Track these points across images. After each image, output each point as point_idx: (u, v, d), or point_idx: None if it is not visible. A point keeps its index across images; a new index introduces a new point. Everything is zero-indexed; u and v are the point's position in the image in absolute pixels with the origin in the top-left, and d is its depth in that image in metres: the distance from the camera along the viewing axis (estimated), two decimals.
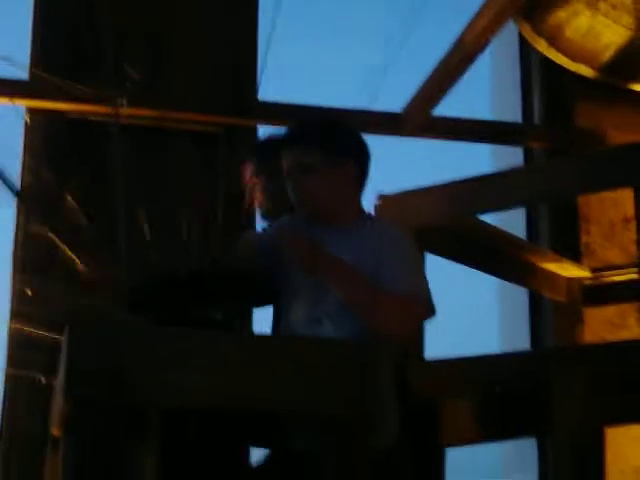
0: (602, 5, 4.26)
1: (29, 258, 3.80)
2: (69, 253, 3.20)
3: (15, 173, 3.81)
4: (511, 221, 4.58)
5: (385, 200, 3.29)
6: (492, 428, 2.71)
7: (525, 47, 4.80)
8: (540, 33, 4.32)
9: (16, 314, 3.71)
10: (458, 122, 4.56)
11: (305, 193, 2.69)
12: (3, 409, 3.73)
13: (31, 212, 3.70)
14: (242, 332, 2.86)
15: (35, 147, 3.95)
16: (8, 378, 3.72)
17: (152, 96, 4.06)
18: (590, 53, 4.40)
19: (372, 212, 3.10)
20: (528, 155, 4.79)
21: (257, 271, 2.78)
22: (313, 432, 2.15)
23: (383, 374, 2.02)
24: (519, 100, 4.91)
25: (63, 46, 4.07)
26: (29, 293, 3.68)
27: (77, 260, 3.20)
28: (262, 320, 2.96)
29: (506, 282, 4.30)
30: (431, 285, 2.66)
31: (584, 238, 4.60)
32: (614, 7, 4.27)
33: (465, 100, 4.76)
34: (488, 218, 3.60)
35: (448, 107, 4.37)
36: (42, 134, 3.97)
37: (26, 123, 3.97)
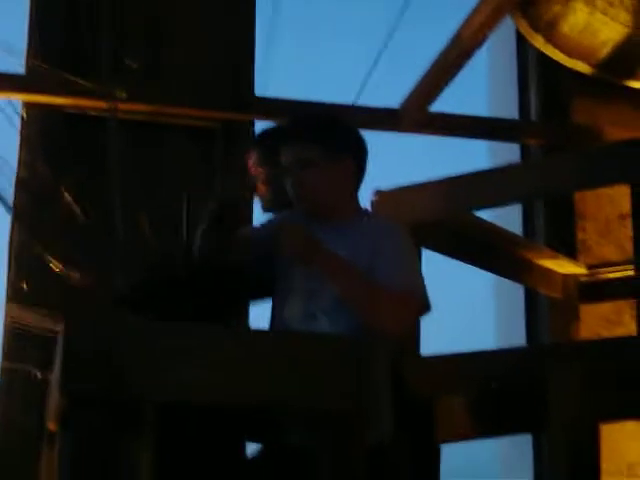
0: (599, 2, 4.26)
1: (24, 263, 3.79)
2: (58, 267, 3.19)
3: (9, 183, 3.80)
4: (507, 217, 4.58)
5: (382, 196, 3.29)
6: (488, 424, 2.71)
7: (522, 43, 4.80)
8: (537, 29, 4.32)
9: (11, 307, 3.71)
10: (455, 118, 4.56)
11: (304, 188, 2.70)
12: None
13: (24, 226, 3.68)
14: (238, 327, 2.86)
15: (31, 141, 3.94)
16: (4, 372, 3.72)
17: (149, 91, 4.06)
18: (587, 50, 4.40)
19: (369, 208, 3.10)
20: (525, 151, 4.79)
21: (254, 265, 2.79)
22: (308, 427, 2.15)
23: (379, 370, 2.02)
24: (516, 96, 4.91)
25: (60, 40, 4.07)
26: (25, 287, 3.68)
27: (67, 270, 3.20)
28: (259, 316, 2.97)
29: (502, 278, 4.30)
30: (427, 281, 2.66)
31: (580, 235, 4.61)
32: (611, 4, 4.27)
33: (462, 96, 4.76)
34: (484, 214, 3.60)
35: (445, 103, 4.38)
36: (38, 128, 3.96)
37: (22, 117, 3.96)
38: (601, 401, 2.46)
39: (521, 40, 4.74)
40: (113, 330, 1.97)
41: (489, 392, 2.65)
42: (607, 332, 4.41)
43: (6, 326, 3.72)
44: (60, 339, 1.95)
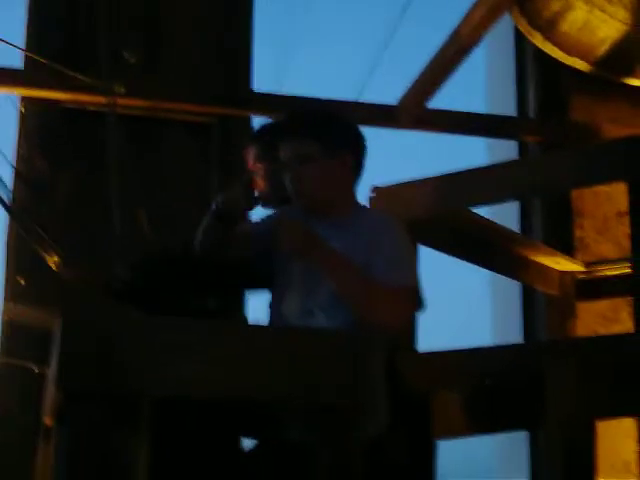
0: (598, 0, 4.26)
1: (21, 259, 3.79)
2: (56, 262, 3.19)
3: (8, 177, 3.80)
4: (504, 214, 4.58)
5: (379, 192, 3.29)
6: (484, 421, 2.71)
7: (520, 40, 4.80)
8: (536, 26, 4.32)
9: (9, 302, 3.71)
10: (453, 115, 4.57)
11: (303, 184, 2.70)
12: None
13: (22, 221, 3.68)
14: (235, 320, 2.86)
15: (29, 136, 3.94)
16: (1, 367, 3.72)
17: (148, 86, 4.06)
18: (586, 47, 4.40)
19: (366, 204, 3.11)
20: (522, 148, 4.79)
21: (253, 260, 2.80)
22: (306, 422, 2.16)
23: (375, 364, 2.02)
24: (514, 93, 4.91)
25: (59, 36, 4.06)
26: (22, 283, 3.68)
27: (62, 264, 3.19)
28: (256, 310, 2.97)
29: (499, 275, 4.30)
30: (424, 277, 2.67)
31: (578, 232, 4.61)
32: (610, 1, 4.27)
33: (460, 93, 4.76)
34: (482, 211, 3.60)
35: (443, 100, 4.38)
36: (37, 123, 3.96)
37: (21, 112, 3.96)
38: (597, 398, 2.46)
39: (519, 37, 4.75)
40: (111, 325, 1.97)
41: (485, 389, 2.65)
42: (604, 329, 4.42)
43: (3, 321, 3.72)
44: (57, 334, 1.95)
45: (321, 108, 4.03)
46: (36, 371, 3.41)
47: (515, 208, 4.73)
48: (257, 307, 2.95)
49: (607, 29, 4.33)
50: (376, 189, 3.30)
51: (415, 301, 2.64)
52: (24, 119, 3.96)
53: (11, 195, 3.77)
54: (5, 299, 3.75)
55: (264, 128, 3.20)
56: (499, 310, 4.98)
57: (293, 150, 2.72)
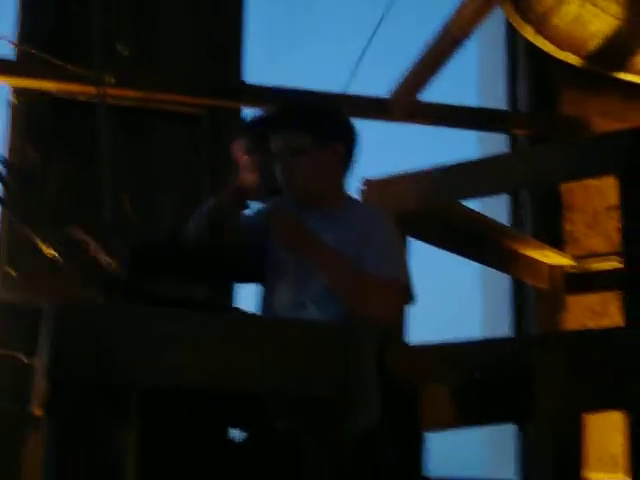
0: None
1: (13, 249, 3.78)
2: (47, 252, 3.19)
3: None
4: (495, 208, 4.59)
5: (370, 185, 3.30)
6: (473, 414, 2.72)
7: (512, 34, 4.80)
8: (527, 20, 4.32)
9: None
10: (444, 108, 4.57)
11: (294, 176, 2.70)
12: None
13: (15, 215, 3.67)
14: (226, 311, 2.86)
15: (20, 126, 3.93)
16: None
17: (138, 76, 4.05)
18: (577, 41, 4.41)
19: (357, 196, 3.11)
20: (513, 142, 4.80)
21: (243, 251, 2.80)
22: (296, 413, 2.16)
23: (366, 356, 2.03)
24: (505, 87, 4.92)
25: (50, 26, 4.05)
26: (14, 273, 3.68)
27: (57, 255, 3.19)
28: (246, 302, 2.97)
29: (489, 268, 4.31)
30: (414, 270, 2.67)
31: (568, 226, 4.62)
32: None
33: (451, 86, 4.76)
34: (472, 204, 3.61)
35: (434, 93, 4.38)
36: (28, 113, 3.95)
37: (12, 102, 3.95)
38: (586, 392, 2.47)
39: (511, 31, 4.75)
40: (102, 315, 1.97)
41: (475, 381, 2.66)
42: (593, 323, 4.43)
43: None
44: (47, 324, 1.95)
45: (313, 100, 4.03)
46: (25, 361, 3.41)
47: (505, 201, 4.73)
48: (248, 299, 2.95)
49: (599, 23, 4.34)
50: (367, 181, 3.31)
51: (406, 294, 2.65)
52: (15, 110, 3.95)
53: (2, 186, 3.77)
54: None
55: (255, 120, 3.19)
56: (489, 303, 4.99)
57: (284, 142, 2.72)
